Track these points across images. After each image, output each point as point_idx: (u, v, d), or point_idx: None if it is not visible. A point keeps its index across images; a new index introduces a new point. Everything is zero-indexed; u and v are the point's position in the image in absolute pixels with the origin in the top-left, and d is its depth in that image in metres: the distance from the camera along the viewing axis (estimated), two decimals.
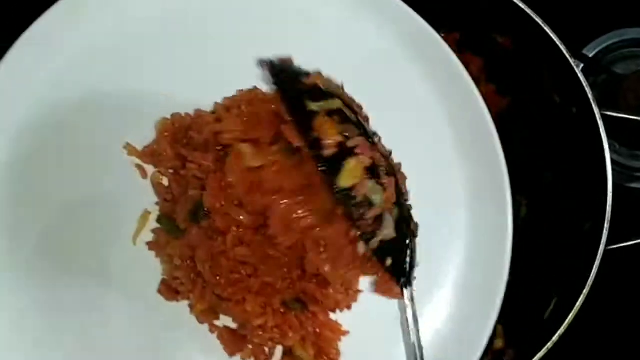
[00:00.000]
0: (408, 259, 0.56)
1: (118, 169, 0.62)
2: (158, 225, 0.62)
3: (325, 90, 0.54)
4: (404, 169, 0.59)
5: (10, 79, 0.61)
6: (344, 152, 0.52)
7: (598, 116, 0.67)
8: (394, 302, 0.62)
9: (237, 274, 0.56)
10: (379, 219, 0.52)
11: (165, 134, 0.63)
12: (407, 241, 0.56)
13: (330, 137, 0.52)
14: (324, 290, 0.58)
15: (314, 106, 0.52)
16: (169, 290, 0.60)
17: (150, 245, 0.61)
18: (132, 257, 0.61)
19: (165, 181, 0.63)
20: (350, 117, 0.54)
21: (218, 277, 0.57)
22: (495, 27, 0.75)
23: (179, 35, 0.65)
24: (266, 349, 0.61)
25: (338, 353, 0.61)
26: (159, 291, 0.61)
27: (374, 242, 0.52)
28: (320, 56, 0.58)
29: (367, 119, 0.57)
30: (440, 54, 0.66)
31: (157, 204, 0.62)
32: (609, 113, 0.71)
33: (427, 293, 0.64)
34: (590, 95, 0.68)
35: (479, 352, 0.61)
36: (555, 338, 0.64)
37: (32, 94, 0.61)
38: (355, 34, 0.67)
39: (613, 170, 0.67)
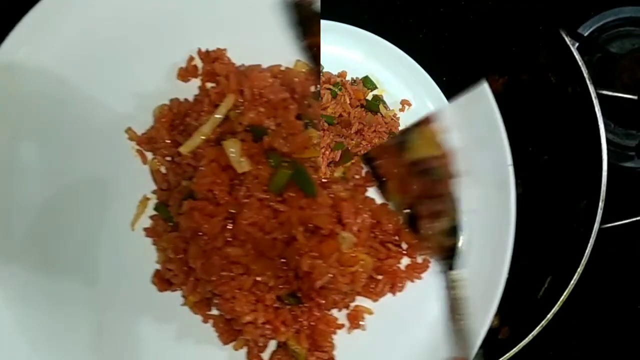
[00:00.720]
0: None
1: (120, 154, 0.62)
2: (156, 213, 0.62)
3: None
4: None
5: (10, 66, 0.60)
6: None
7: (593, 95, 0.67)
8: (389, 299, 0.63)
9: (229, 272, 0.56)
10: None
11: (163, 120, 0.62)
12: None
13: None
14: (320, 291, 0.58)
15: None
16: (162, 281, 0.61)
17: (148, 231, 0.61)
18: (128, 244, 0.61)
19: (163, 169, 0.62)
20: None
21: (209, 274, 0.56)
22: None
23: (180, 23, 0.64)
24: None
25: (333, 346, 0.61)
26: (153, 282, 0.61)
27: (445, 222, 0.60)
28: None
29: None
30: None
31: (153, 192, 0.62)
32: (604, 92, 0.71)
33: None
34: (585, 74, 0.67)
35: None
36: (549, 316, 0.65)
37: (32, 80, 0.61)
38: None
39: (608, 149, 0.67)
